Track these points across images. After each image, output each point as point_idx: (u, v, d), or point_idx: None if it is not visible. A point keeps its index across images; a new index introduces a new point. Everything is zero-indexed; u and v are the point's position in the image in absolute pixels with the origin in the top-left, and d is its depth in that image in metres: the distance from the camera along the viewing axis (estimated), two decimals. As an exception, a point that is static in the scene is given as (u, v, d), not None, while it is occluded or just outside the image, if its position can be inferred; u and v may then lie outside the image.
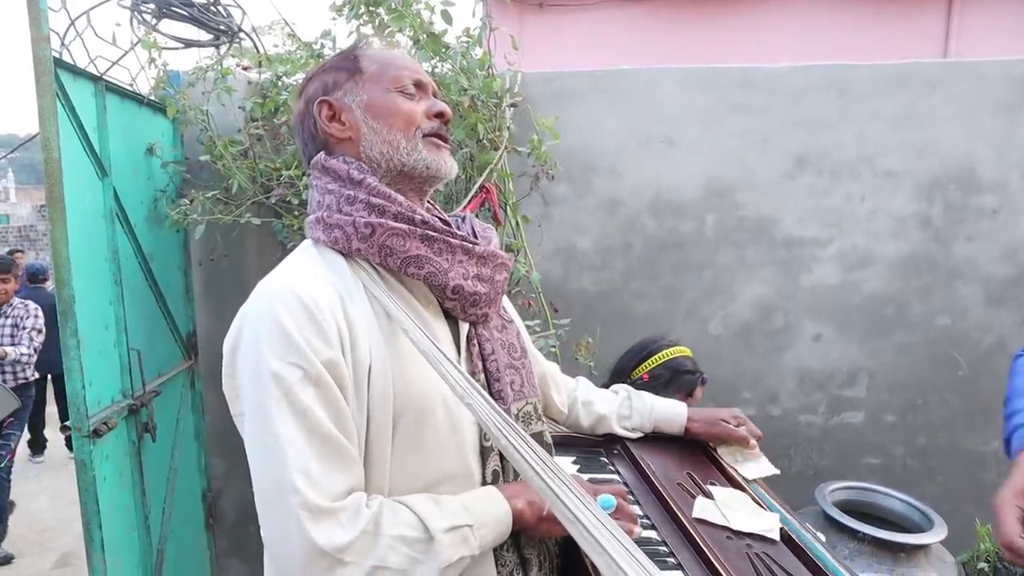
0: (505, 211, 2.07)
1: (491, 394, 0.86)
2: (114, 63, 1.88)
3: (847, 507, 1.75)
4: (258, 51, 2.26)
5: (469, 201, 1.95)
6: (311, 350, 0.73)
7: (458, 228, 0.92)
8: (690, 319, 2.36)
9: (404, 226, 0.82)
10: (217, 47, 2.25)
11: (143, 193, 2.07)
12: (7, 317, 3.85)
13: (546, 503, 0.69)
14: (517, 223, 2.12)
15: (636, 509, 1.01)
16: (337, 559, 0.68)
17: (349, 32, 1.97)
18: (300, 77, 2.10)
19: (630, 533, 0.84)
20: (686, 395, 1.59)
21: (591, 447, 1.24)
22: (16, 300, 3.92)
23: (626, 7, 5.15)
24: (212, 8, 2.17)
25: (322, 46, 2.15)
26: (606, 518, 0.67)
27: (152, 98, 2.10)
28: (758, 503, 1.02)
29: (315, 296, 0.76)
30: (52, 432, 5.07)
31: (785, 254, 2.33)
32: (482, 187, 1.98)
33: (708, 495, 1.04)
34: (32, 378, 4.06)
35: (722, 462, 1.17)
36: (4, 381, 3.77)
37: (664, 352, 1.62)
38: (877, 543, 1.59)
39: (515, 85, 2.17)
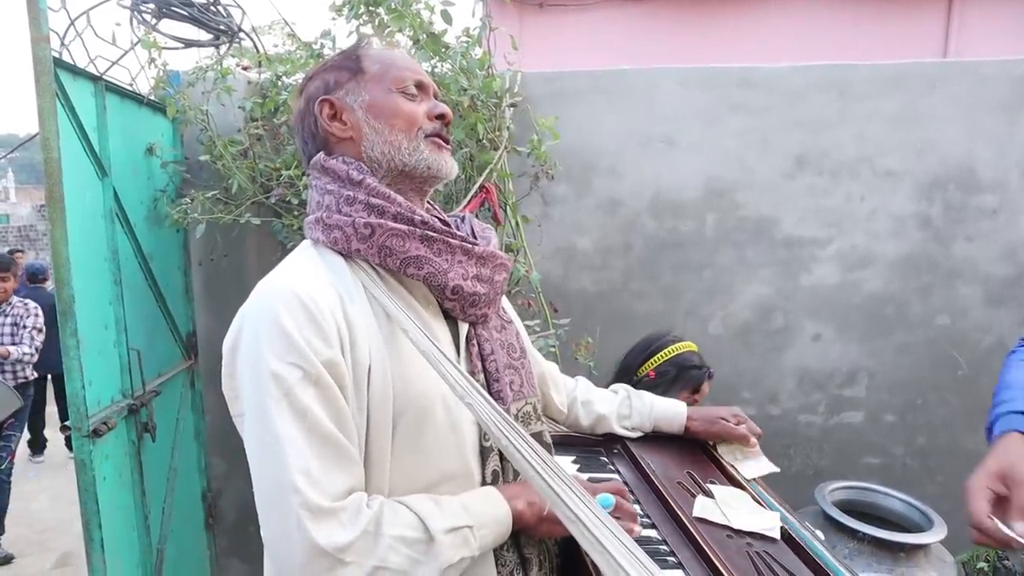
0: (505, 211, 2.07)
1: (490, 394, 0.86)
2: (114, 63, 1.88)
3: (847, 507, 1.75)
4: (258, 51, 2.25)
5: (469, 201, 1.95)
6: (311, 350, 0.73)
7: (457, 228, 0.92)
8: (690, 319, 2.36)
9: (403, 227, 0.82)
10: (217, 47, 2.25)
11: (143, 193, 2.06)
12: (6, 316, 3.85)
13: (546, 503, 0.69)
14: (517, 223, 2.12)
15: (636, 508, 1.01)
16: (338, 559, 0.68)
17: (349, 32, 1.97)
18: (300, 77, 2.09)
19: (630, 532, 0.84)
20: (693, 391, 1.58)
21: (591, 447, 1.24)
22: (15, 299, 3.92)
23: (626, 7, 5.15)
24: (212, 8, 2.17)
25: (322, 46, 2.15)
26: (607, 517, 0.66)
27: (152, 98, 2.10)
28: (758, 502, 1.02)
29: (315, 296, 0.76)
30: (52, 432, 5.07)
31: (785, 254, 2.33)
32: (482, 187, 1.98)
33: (708, 494, 1.04)
34: (31, 377, 4.06)
35: (722, 461, 1.17)
36: (3, 380, 3.77)
37: (669, 348, 1.61)
38: (877, 543, 1.59)
39: (515, 85, 2.17)
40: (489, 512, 0.79)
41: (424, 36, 1.91)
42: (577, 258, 2.35)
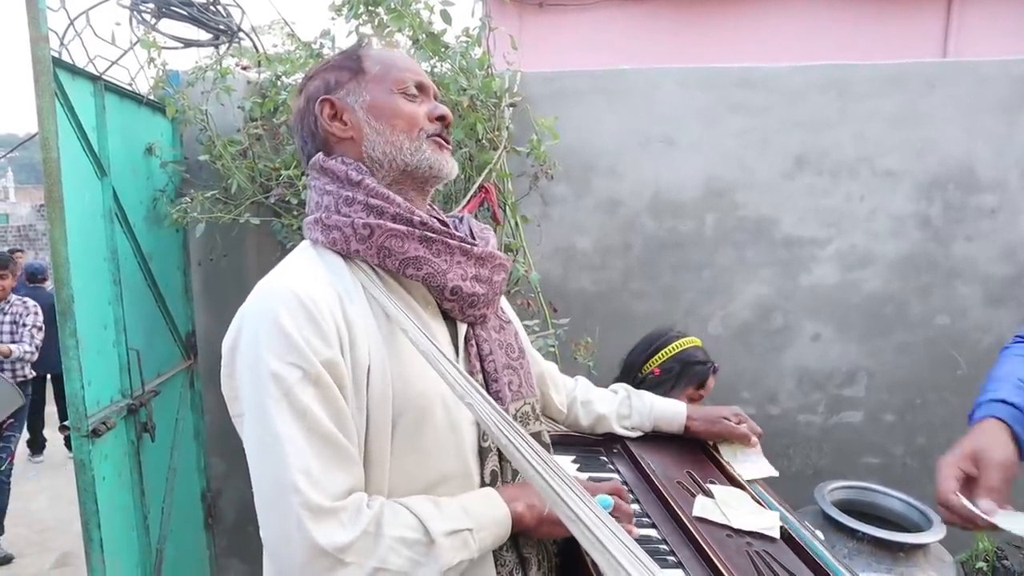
0: (504, 211, 2.07)
1: (489, 394, 0.86)
2: (113, 63, 1.88)
3: (846, 506, 1.75)
4: (257, 51, 2.25)
5: (468, 201, 1.95)
6: (310, 350, 0.73)
7: (456, 229, 0.92)
8: (689, 319, 2.36)
9: (402, 227, 0.82)
10: (216, 47, 2.24)
11: (142, 193, 2.06)
12: (5, 314, 3.86)
13: (546, 504, 0.69)
14: (516, 223, 2.12)
15: (636, 508, 1.01)
16: (338, 559, 0.68)
17: (348, 32, 1.97)
18: (299, 77, 2.09)
19: (628, 532, 0.84)
20: (698, 386, 1.57)
21: (591, 446, 1.24)
22: (14, 297, 3.93)
23: (626, 7, 5.15)
24: (211, 8, 2.17)
25: (321, 46, 2.15)
26: (607, 517, 0.67)
27: (151, 98, 2.10)
28: (758, 502, 1.03)
29: (314, 296, 0.76)
30: (51, 432, 5.07)
31: (784, 254, 2.33)
32: (481, 187, 1.97)
33: (708, 494, 1.04)
34: (30, 376, 4.06)
35: (722, 461, 1.17)
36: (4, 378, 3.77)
37: (673, 344, 1.60)
38: (876, 542, 1.60)
39: (514, 85, 2.17)
40: (489, 514, 0.79)
41: (423, 36, 1.91)
42: (576, 258, 2.35)
